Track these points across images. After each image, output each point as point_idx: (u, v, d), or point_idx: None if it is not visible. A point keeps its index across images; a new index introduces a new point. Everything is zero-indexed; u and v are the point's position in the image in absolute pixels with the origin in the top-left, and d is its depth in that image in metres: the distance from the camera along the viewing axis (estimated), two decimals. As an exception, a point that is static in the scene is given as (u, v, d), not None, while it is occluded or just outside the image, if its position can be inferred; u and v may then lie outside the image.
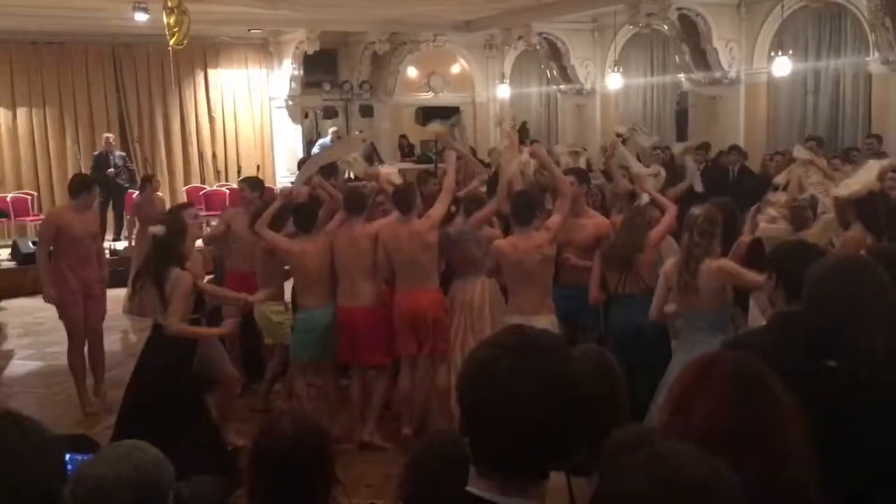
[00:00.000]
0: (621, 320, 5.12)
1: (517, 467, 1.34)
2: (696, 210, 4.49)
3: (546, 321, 4.94)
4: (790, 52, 11.67)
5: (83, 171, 13.79)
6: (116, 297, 9.50)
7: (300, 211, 5.82)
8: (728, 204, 5.24)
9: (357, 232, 5.59)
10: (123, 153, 13.40)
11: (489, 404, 1.34)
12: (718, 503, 1.18)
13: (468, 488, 1.37)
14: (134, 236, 10.21)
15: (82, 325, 6.64)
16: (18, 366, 8.03)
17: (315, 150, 14.89)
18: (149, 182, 10.43)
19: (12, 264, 11.15)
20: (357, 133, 14.60)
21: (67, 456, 1.90)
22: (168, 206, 13.94)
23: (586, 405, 1.36)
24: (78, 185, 6.71)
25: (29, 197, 13.90)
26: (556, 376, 1.34)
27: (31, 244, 11.51)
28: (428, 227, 5.45)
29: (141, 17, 10.83)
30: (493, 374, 1.34)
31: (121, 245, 12.16)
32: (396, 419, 5.82)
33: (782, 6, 11.98)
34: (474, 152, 14.61)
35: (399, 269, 5.54)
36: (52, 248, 6.53)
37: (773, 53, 12.02)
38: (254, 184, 6.90)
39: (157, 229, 4.88)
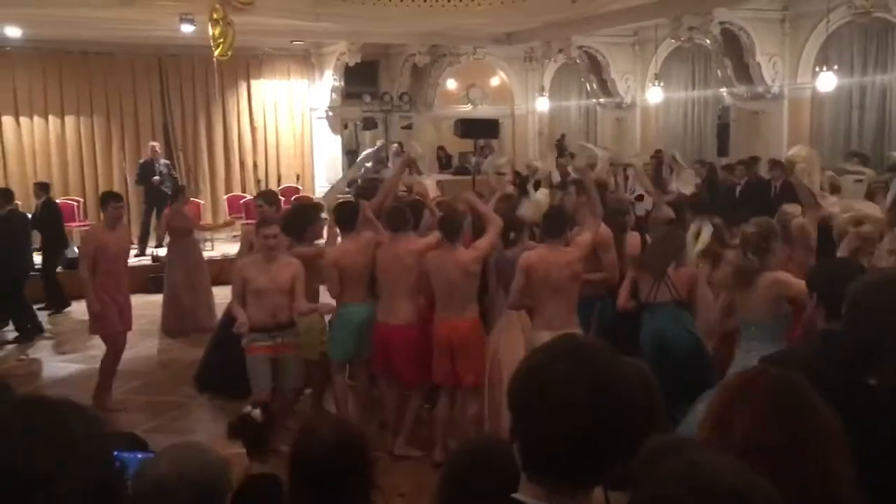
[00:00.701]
0: (651, 328, 5.14)
1: (566, 474, 1.35)
2: (750, 227, 4.54)
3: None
4: (835, 66, 11.51)
5: (128, 179, 14.13)
6: (156, 302, 9.67)
7: (342, 210, 5.90)
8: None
9: (402, 248, 5.60)
10: (168, 161, 13.63)
11: (540, 410, 1.35)
12: None
13: (515, 496, 1.38)
14: (165, 246, 10.01)
15: (122, 337, 7.03)
16: (59, 368, 8.19)
17: (360, 161, 15.01)
18: (181, 193, 10.12)
19: (58, 269, 11.34)
20: (395, 145, 14.70)
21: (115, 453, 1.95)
22: (205, 217, 14.25)
23: (635, 415, 1.36)
24: (101, 201, 7.19)
25: (75, 203, 14.19)
26: (608, 384, 1.35)
27: (76, 249, 11.74)
28: (473, 257, 5.41)
29: (187, 28, 11.03)
30: (545, 380, 1.36)
31: (163, 251, 12.34)
32: (429, 425, 5.84)
33: (827, 21, 11.83)
34: (513, 165, 14.65)
35: (439, 296, 5.50)
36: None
37: (817, 68, 11.87)
38: (270, 199, 7.13)
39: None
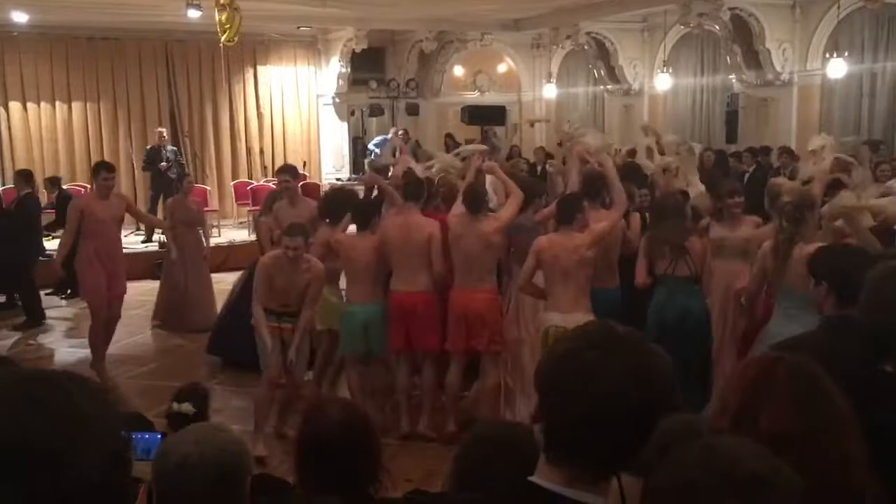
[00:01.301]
0: (670, 302, 5.22)
1: (592, 459, 1.35)
2: (786, 197, 4.70)
3: (583, 318, 4.93)
4: (846, 53, 11.42)
5: (135, 165, 14.13)
6: (153, 288, 9.66)
7: (358, 207, 5.96)
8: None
9: (412, 220, 5.64)
10: (175, 147, 13.62)
11: (571, 395, 1.35)
12: (779, 499, 1.16)
13: (532, 479, 1.37)
14: (167, 238, 9.11)
15: (105, 306, 7.02)
16: (68, 354, 8.20)
17: (371, 146, 15.02)
18: (183, 182, 9.73)
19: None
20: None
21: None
22: (212, 203, 14.27)
23: (667, 406, 1.36)
24: (93, 171, 7.26)
25: (83, 189, 14.19)
26: (640, 373, 1.34)
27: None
28: (495, 228, 5.49)
29: (194, 13, 10.98)
30: (578, 366, 1.36)
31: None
32: (444, 410, 5.86)
33: (838, 7, 11.73)
34: (519, 151, 14.64)
35: (459, 266, 5.55)
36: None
37: (827, 55, 11.79)
38: (293, 172, 7.06)
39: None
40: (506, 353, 5.77)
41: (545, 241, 5.28)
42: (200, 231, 8.93)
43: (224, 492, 1.80)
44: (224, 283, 8.90)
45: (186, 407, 3.16)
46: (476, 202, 5.51)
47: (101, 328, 7.14)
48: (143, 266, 10.96)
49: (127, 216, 7.54)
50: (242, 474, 1.83)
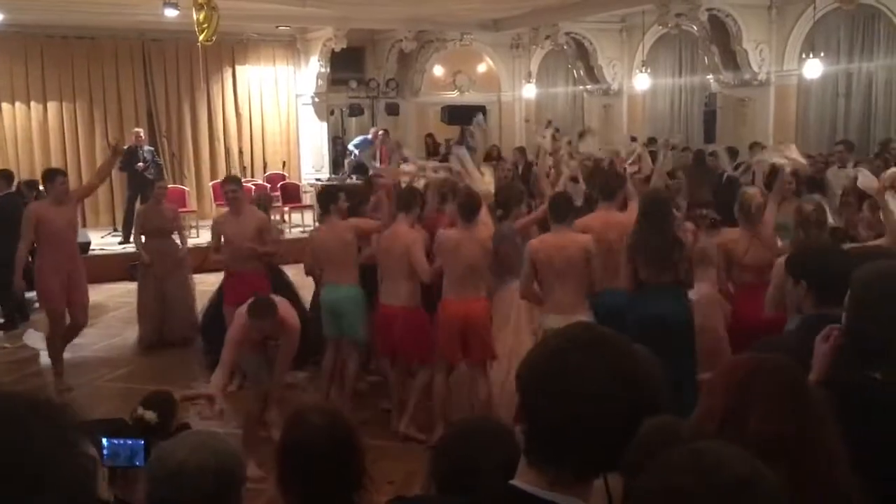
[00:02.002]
0: (654, 309, 5.07)
1: (576, 461, 1.34)
2: (808, 206, 4.78)
3: (581, 319, 4.94)
4: (821, 54, 11.54)
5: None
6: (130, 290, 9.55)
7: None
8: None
9: (401, 231, 5.65)
10: (152, 148, 13.50)
11: (555, 397, 1.33)
12: (763, 501, 1.16)
13: (513, 482, 1.36)
14: (136, 245, 8.54)
15: (64, 314, 6.95)
16: (45, 356, 8.10)
17: (350, 146, 14.97)
18: (154, 187, 9.01)
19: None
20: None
21: (104, 440, 1.92)
22: (190, 203, 14.15)
23: (651, 408, 1.35)
24: (43, 178, 7.10)
25: (58, 190, 14.05)
26: (625, 373, 1.34)
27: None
28: (487, 235, 5.49)
29: (171, 12, 10.89)
30: (562, 367, 1.34)
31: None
32: (428, 410, 5.84)
33: (814, 8, 11.85)
34: (498, 151, 14.65)
35: (454, 276, 5.47)
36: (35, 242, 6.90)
37: (804, 55, 11.90)
38: (238, 182, 7.12)
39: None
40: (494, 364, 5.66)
41: (537, 243, 5.22)
42: (177, 236, 8.59)
43: (220, 500, 1.79)
44: (204, 284, 8.81)
45: (150, 415, 3.09)
46: (470, 212, 5.45)
47: (59, 337, 7.02)
48: (120, 268, 10.86)
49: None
50: (238, 482, 1.82)
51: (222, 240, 6.77)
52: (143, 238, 8.35)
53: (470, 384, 5.65)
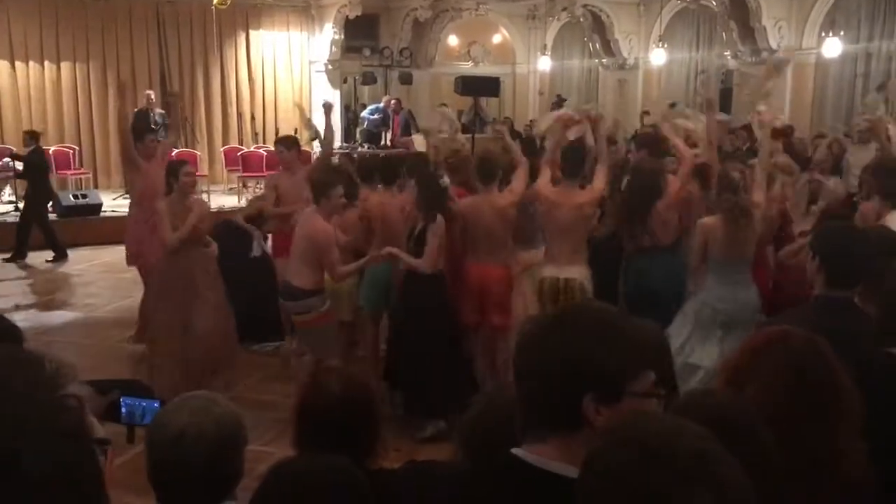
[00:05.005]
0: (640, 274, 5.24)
1: (560, 436, 1.33)
2: (736, 173, 4.79)
3: (578, 272, 5.14)
4: (841, 32, 11.40)
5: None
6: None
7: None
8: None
9: (393, 201, 5.67)
10: (164, 111, 13.48)
11: (531, 373, 1.35)
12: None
13: (515, 451, 1.37)
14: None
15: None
16: (57, 316, 8.17)
17: (365, 115, 14.92)
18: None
19: (53, 216, 11.29)
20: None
21: (122, 399, 1.94)
22: (202, 168, 14.02)
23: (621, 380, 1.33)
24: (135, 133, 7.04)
25: (71, 151, 14.07)
26: (618, 346, 1.32)
27: (71, 197, 11.67)
28: (510, 201, 5.36)
29: (186, -25, 10.84)
30: (554, 346, 1.34)
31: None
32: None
33: (836, -15, 11.69)
34: (512, 123, 14.57)
35: (474, 241, 5.44)
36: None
37: (823, 34, 11.76)
38: (290, 143, 6.86)
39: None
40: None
41: (546, 191, 5.23)
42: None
43: (221, 464, 1.80)
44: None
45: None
46: (489, 175, 5.37)
47: None
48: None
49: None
50: (239, 447, 1.83)
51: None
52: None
53: (483, 352, 5.61)
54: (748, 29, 12.85)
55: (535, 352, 1.37)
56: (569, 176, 5.24)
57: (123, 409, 1.96)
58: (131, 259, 6.87)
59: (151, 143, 7.03)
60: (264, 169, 13.36)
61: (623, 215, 5.32)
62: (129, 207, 7.19)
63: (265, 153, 14.15)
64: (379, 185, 5.89)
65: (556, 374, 1.32)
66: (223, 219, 7.66)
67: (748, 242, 4.80)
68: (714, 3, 12.70)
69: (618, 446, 1.09)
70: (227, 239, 6.57)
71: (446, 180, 5.34)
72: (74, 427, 0.96)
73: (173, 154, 8.85)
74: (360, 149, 13.38)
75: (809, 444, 1.55)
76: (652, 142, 6.61)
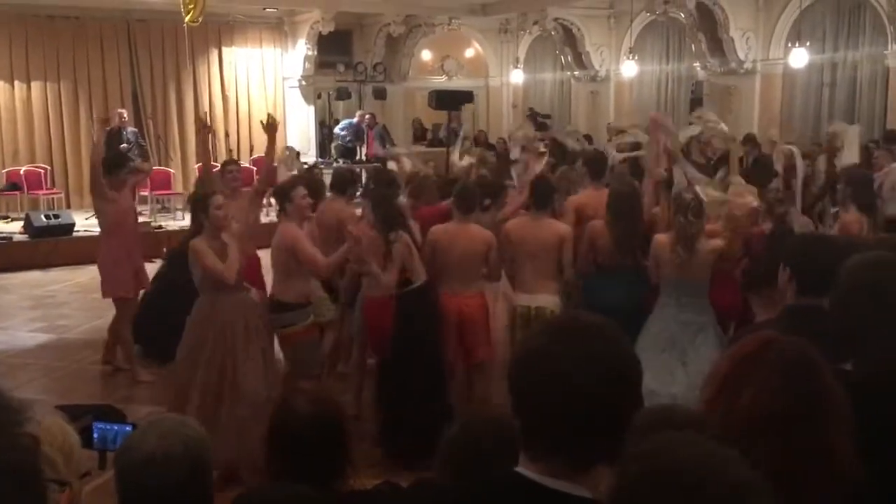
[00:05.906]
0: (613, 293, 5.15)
1: (570, 455, 1.34)
2: (687, 194, 4.82)
3: (548, 300, 5.16)
4: (807, 43, 11.58)
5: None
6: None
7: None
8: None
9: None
10: (136, 129, 13.41)
11: (536, 391, 1.34)
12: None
13: (518, 469, 1.36)
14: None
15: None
16: (28, 338, 8.08)
17: (337, 130, 14.92)
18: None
19: (24, 237, 11.19)
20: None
21: (94, 424, 1.94)
22: (175, 186, 14.02)
23: (632, 395, 1.35)
24: (110, 165, 6.78)
25: (42, 171, 13.93)
26: (609, 362, 1.33)
27: (43, 217, 11.55)
28: (485, 238, 5.24)
29: (157, -7, 10.82)
30: (545, 363, 1.34)
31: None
32: None
33: (801, -3, 11.89)
34: (486, 136, 14.64)
35: (449, 271, 5.28)
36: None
37: (789, 44, 11.94)
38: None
39: None
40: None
41: (511, 226, 5.34)
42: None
43: (191, 487, 1.80)
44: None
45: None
46: (468, 204, 5.26)
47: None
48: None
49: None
50: (208, 469, 1.82)
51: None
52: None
53: (468, 384, 5.47)
54: (717, 40, 13.03)
55: (537, 370, 1.37)
56: (540, 207, 5.30)
57: (95, 435, 1.95)
58: (108, 292, 6.74)
59: (126, 175, 6.91)
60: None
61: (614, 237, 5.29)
62: (100, 236, 7.02)
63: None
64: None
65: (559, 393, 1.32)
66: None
67: (698, 266, 4.74)
68: (682, 15, 12.86)
69: (652, 477, 1.10)
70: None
71: (402, 199, 5.36)
72: (22, 466, 0.96)
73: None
74: (334, 164, 13.37)
75: (803, 442, 1.57)
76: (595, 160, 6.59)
